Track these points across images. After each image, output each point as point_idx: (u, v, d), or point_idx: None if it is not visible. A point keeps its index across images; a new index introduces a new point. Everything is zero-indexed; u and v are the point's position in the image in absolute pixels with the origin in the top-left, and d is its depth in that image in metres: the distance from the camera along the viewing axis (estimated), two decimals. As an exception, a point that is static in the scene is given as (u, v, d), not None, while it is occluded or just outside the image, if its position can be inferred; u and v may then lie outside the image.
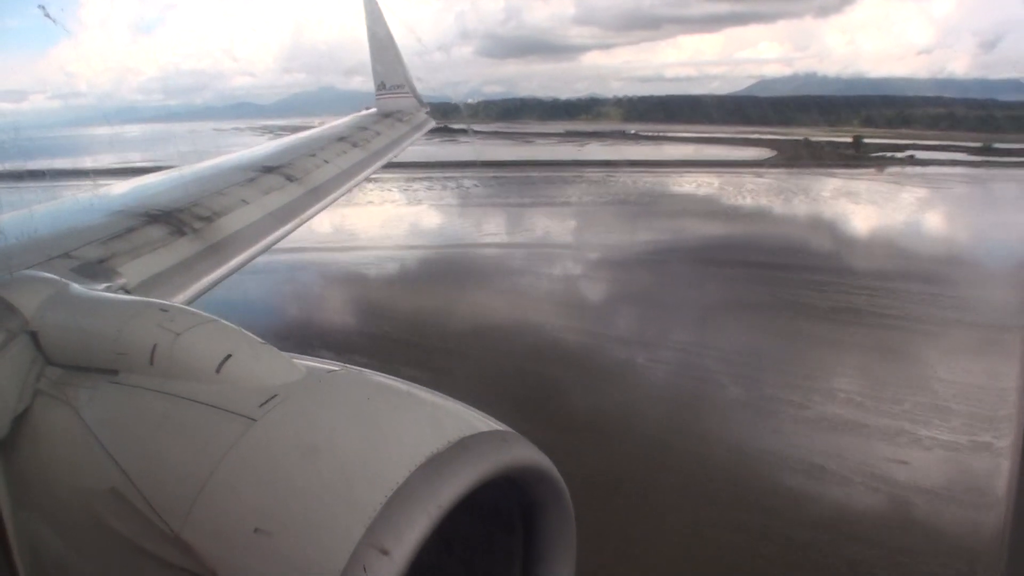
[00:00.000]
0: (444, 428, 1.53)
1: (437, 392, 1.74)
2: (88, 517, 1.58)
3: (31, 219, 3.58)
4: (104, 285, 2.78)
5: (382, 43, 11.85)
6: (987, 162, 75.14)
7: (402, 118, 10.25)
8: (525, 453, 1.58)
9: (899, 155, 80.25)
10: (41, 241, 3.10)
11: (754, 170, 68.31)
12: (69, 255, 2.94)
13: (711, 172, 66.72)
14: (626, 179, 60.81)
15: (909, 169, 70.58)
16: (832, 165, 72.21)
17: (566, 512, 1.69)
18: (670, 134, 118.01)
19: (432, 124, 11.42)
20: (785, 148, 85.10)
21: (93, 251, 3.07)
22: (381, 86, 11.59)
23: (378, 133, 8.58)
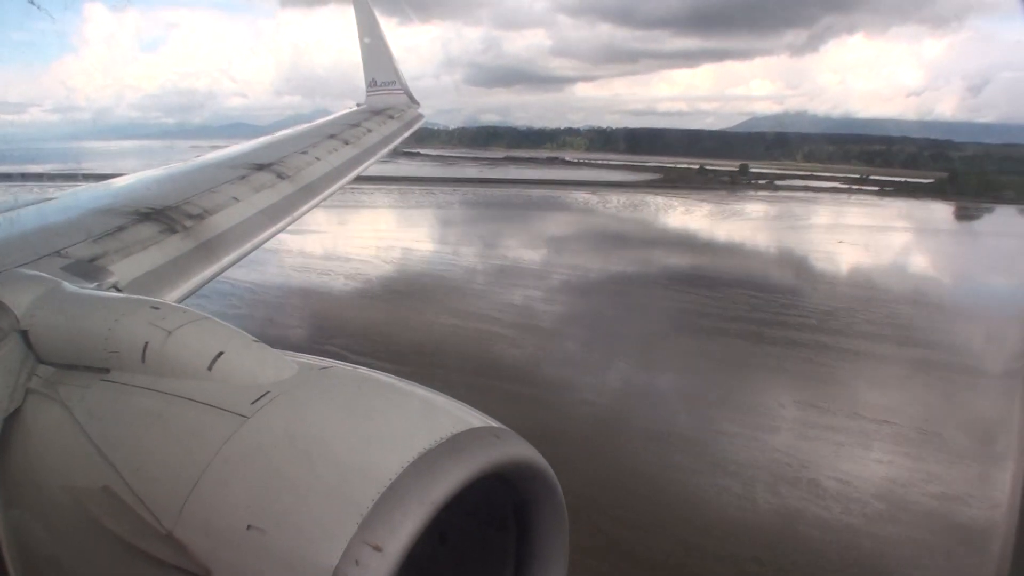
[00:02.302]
0: (437, 424, 1.54)
1: (430, 388, 1.75)
2: (80, 516, 1.58)
3: (21, 217, 3.56)
4: (95, 283, 2.77)
5: (372, 39, 11.81)
6: (842, 189, 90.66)
7: (393, 115, 10.21)
8: (518, 449, 1.58)
9: (769, 182, 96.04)
10: (31, 239, 3.08)
11: (620, 189, 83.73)
12: (60, 253, 2.92)
13: (584, 189, 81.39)
14: (504, 191, 70.68)
15: (752, 192, 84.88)
16: (692, 187, 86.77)
17: (559, 509, 1.70)
18: (599, 161, 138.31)
19: (423, 120, 11.39)
20: (677, 174, 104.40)
21: (84, 249, 3.05)
22: (372, 83, 11.54)
23: (369, 130, 8.55)
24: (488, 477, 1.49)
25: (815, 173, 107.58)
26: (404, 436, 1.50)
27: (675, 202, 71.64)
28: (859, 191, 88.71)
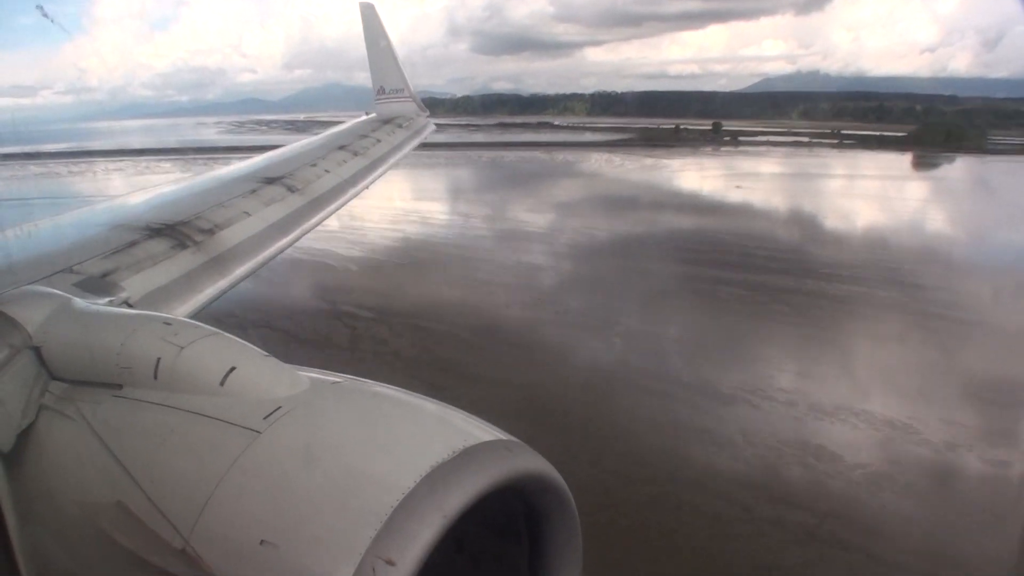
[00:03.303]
0: (448, 438, 1.53)
1: (441, 402, 1.74)
2: (94, 531, 1.59)
3: (33, 234, 3.59)
4: (107, 299, 2.79)
5: (380, 48, 11.88)
6: (803, 143, 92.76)
7: (402, 123, 10.26)
8: (530, 462, 1.57)
9: (733, 138, 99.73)
10: (43, 256, 3.11)
11: (576, 148, 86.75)
12: (72, 270, 2.95)
13: (540, 150, 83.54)
14: (458, 154, 72.05)
15: (710, 148, 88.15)
16: (654, 145, 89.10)
17: (572, 521, 1.69)
18: (588, 124, 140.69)
19: (432, 128, 11.43)
20: (652, 133, 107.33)
21: (96, 265, 3.08)
22: (380, 91, 11.61)
23: (378, 140, 8.59)
24: (501, 490, 1.49)
25: (793, 130, 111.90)
26: (416, 450, 1.49)
27: (616, 158, 73.67)
28: (818, 144, 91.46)
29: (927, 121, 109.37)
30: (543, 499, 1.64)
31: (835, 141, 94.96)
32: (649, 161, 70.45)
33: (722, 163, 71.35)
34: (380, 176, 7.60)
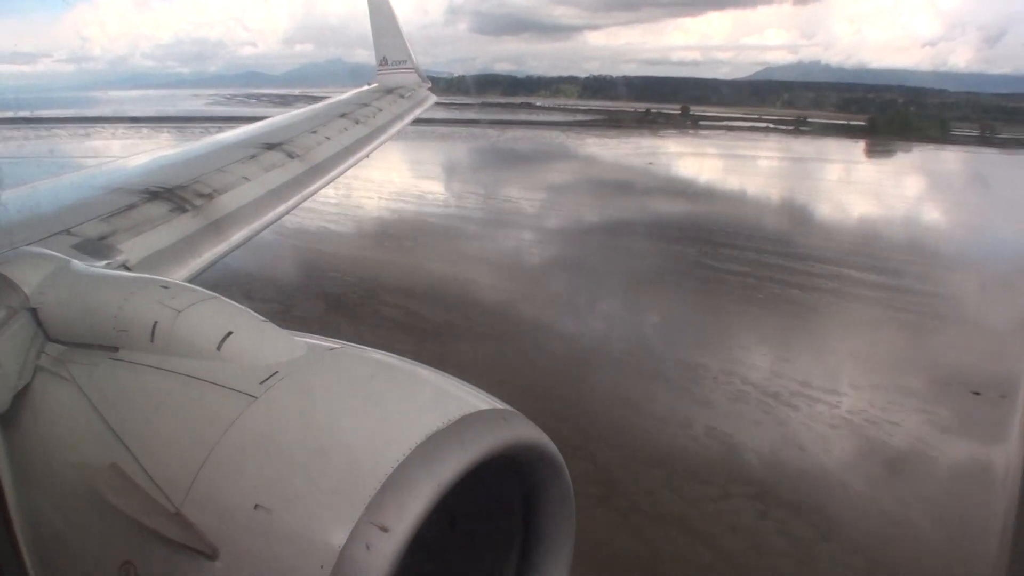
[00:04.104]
0: (445, 406, 1.53)
1: (438, 370, 1.74)
2: (88, 493, 1.59)
3: (31, 195, 3.56)
4: (105, 262, 2.78)
5: (384, 18, 11.72)
6: (759, 128, 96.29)
7: (404, 94, 10.15)
8: (525, 432, 1.57)
9: (694, 123, 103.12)
10: (41, 217, 3.09)
11: (560, 128, 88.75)
12: (70, 232, 2.93)
13: (519, 127, 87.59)
14: (436, 129, 72.88)
15: (669, 130, 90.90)
16: (620, 126, 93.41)
17: (566, 491, 1.70)
18: (566, 106, 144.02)
19: (434, 99, 11.31)
20: (622, 116, 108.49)
21: (94, 228, 3.06)
22: (383, 61, 11.47)
23: (380, 109, 8.50)
24: (496, 459, 1.49)
25: (764, 116, 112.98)
26: (412, 418, 1.49)
27: (561, 135, 77.85)
28: (775, 131, 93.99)
29: (885, 111, 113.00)
30: (537, 468, 1.65)
31: (792, 128, 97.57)
32: (591, 139, 74.64)
33: (656, 143, 74.05)
34: (380, 145, 7.53)
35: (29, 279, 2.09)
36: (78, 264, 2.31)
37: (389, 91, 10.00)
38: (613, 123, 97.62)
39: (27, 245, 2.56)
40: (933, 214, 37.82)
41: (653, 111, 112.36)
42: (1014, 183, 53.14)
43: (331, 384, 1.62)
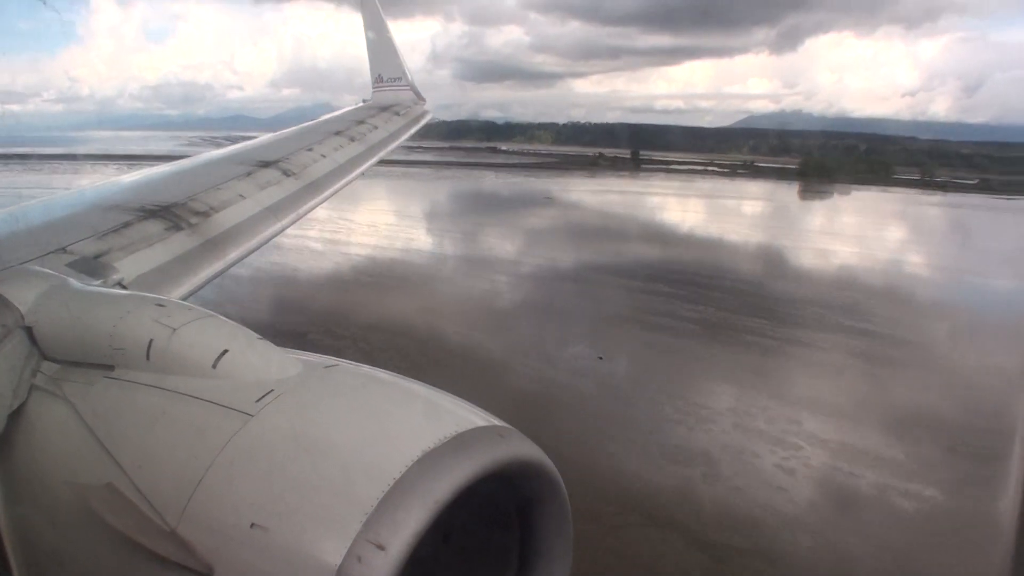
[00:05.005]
0: (441, 423, 1.53)
1: (434, 387, 1.74)
2: (84, 512, 1.58)
3: (27, 213, 3.56)
4: (100, 280, 2.77)
5: (379, 35, 11.79)
6: (697, 171, 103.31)
7: (399, 111, 10.18)
8: (522, 448, 1.57)
9: (637, 165, 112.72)
10: (37, 235, 3.09)
11: (508, 169, 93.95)
12: (65, 250, 2.93)
13: (470, 168, 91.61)
14: (393, 168, 74.56)
15: (608, 172, 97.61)
16: (562, 168, 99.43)
17: (563, 507, 1.69)
18: (533, 151, 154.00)
19: (429, 116, 11.36)
20: (572, 160, 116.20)
21: (89, 246, 3.06)
22: (378, 79, 11.52)
23: (375, 127, 8.53)
24: (492, 476, 1.49)
25: (714, 161, 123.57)
26: (409, 435, 1.49)
27: (497, 176, 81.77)
28: (709, 173, 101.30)
29: (811, 157, 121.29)
30: (534, 485, 1.64)
31: (728, 171, 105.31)
32: (516, 178, 79.96)
33: (581, 183, 78.31)
34: (376, 162, 7.56)
35: (25, 297, 2.09)
36: (74, 282, 2.32)
37: (384, 108, 10.04)
38: (554, 166, 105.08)
39: (23, 263, 2.56)
40: (755, 236, 41.90)
41: (607, 155, 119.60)
42: (880, 215, 58.54)
43: (327, 401, 1.62)
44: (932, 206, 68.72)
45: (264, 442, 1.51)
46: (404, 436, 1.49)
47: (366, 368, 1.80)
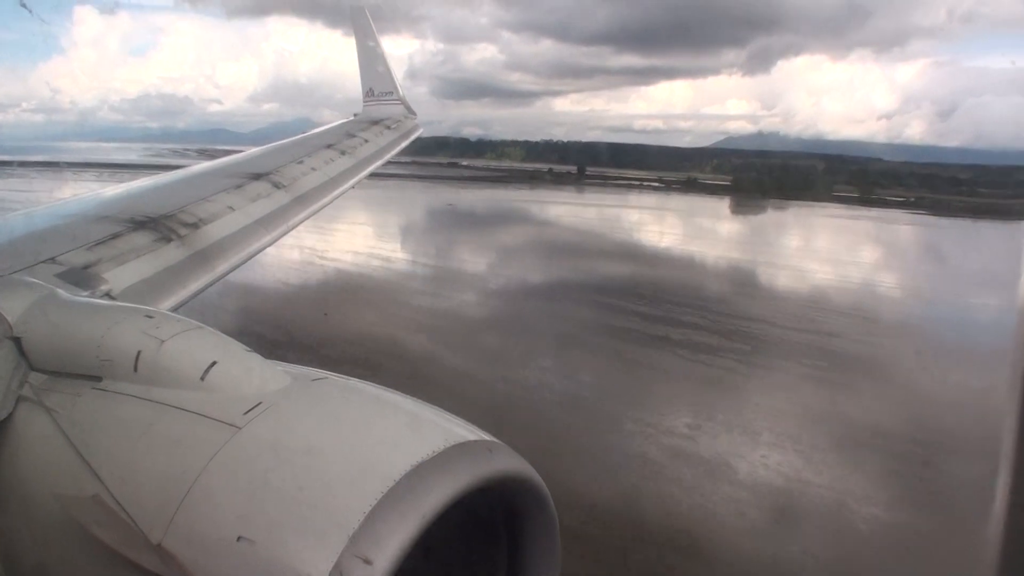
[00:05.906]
0: (429, 437, 1.53)
1: (422, 401, 1.75)
2: (70, 525, 1.57)
3: (15, 224, 3.55)
4: (89, 291, 2.76)
5: (370, 50, 11.86)
6: (635, 186, 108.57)
7: (390, 125, 10.22)
8: (510, 463, 1.58)
9: (579, 178, 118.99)
10: (25, 246, 3.07)
11: (445, 180, 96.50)
12: (54, 260, 2.92)
13: (440, 183, 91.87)
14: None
15: (549, 185, 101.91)
16: (507, 182, 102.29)
17: (550, 522, 1.70)
18: (493, 167, 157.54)
19: (420, 131, 11.41)
20: (524, 175, 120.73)
21: (78, 257, 3.05)
22: (369, 92, 11.58)
23: (366, 140, 8.56)
24: (480, 490, 1.50)
25: (662, 178, 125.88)
26: (396, 449, 1.49)
27: (441, 188, 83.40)
28: (646, 188, 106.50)
29: (743, 174, 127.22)
30: (522, 499, 1.65)
31: (665, 186, 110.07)
32: (442, 189, 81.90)
33: (500, 193, 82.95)
34: (366, 176, 7.58)
35: (12, 308, 2.08)
36: (62, 293, 2.31)
37: (375, 122, 10.07)
38: (497, 179, 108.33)
39: (11, 274, 2.55)
40: (612, 236, 46.58)
41: (556, 171, 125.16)
42: (762, 223, 63.18)
43: (315, 414, 1.62)
44: (828, 217, 71.23)
45: (251, 455, 1.51)
46: (392, 450, 1.49)
47: (354, 381, 1.81)
